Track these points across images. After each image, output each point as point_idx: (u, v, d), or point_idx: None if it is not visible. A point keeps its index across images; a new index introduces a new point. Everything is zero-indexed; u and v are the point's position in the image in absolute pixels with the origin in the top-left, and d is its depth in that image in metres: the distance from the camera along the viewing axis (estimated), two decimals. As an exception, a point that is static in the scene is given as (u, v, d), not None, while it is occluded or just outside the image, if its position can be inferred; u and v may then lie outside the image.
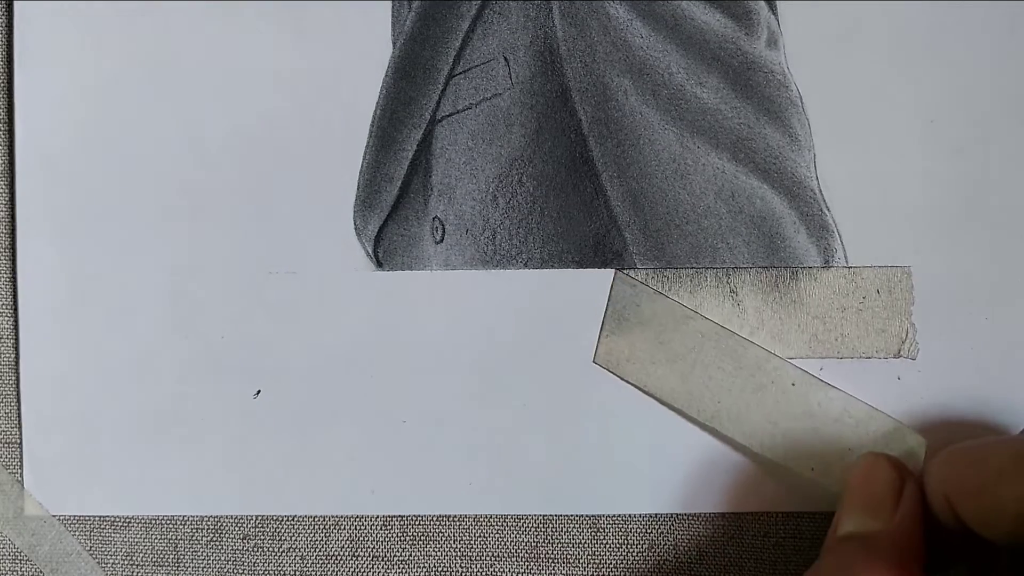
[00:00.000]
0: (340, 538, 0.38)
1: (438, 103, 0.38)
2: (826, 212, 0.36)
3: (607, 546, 0.37)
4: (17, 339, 0.38)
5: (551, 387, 0.37)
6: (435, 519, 0.38)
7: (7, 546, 0.38)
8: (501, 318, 0.37)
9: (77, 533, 0.38)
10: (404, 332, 0.37)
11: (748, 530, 0.37)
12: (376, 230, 0.38)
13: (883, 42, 0.36)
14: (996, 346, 0.36)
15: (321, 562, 0.38)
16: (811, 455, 0.35)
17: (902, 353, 0.36)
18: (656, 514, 0.37)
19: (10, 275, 0.38)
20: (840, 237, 0.36)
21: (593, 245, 0.37)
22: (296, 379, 0.37)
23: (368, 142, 0.37)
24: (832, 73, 0.36)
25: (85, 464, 0.38)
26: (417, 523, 0.38)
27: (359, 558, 0.38)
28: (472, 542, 0.37)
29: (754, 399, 0.35)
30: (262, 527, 0.38)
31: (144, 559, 0.38)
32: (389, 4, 0.37)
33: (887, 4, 0.36)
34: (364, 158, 0.37)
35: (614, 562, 0.37)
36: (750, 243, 0.36)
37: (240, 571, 0.38)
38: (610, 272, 0.37)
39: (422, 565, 0.38)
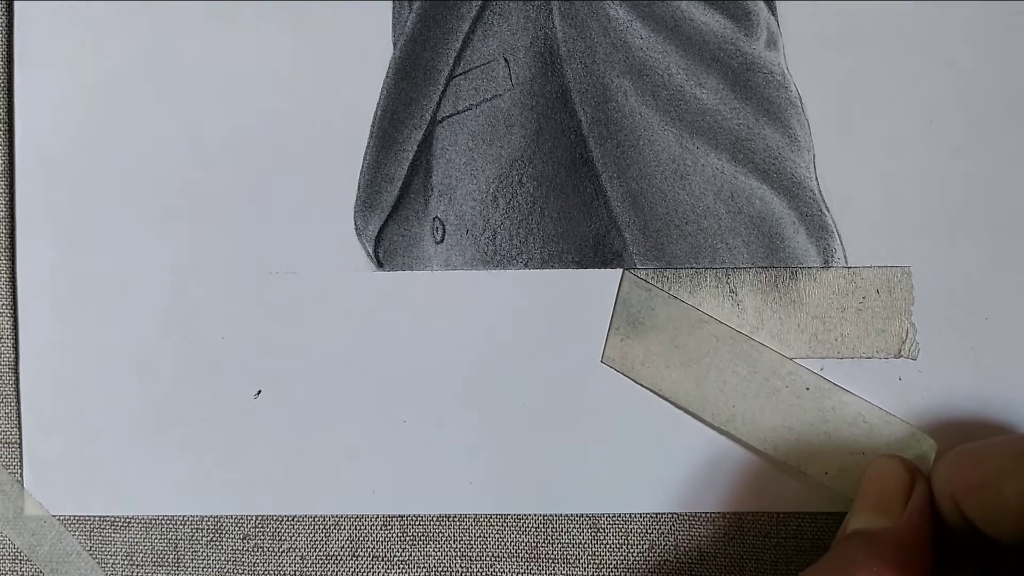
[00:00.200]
0: (340, 538, 0.38)
1: (438, 104, 0.37)
2: (825, 212, 0.36)
3: (607, 546, 0.37)
4: (17, 339, 0.38)
5: (551, 387, 0.37)
6: (435, 519, 0.37)
7: (7, 546, 0.38)
8: (501, 318, 0.37)
9: (77, 533, 0.38)
10: (404, 332, 0.37)
11: (749, 530, 0.36)
12: (376, 230, 0.38)
13: (883, 42, 0.36)
14: (996, 346, 0.36)
15: (321, 562, 0.38)
16: (825, 459, 0.35)
17: (903, 353, 0.36)
18: (656, 514, 0.37)
19: (9, 275, 0.38)
20: (840, 237, 0.36)
21: (593, 245, 0.37)
22: (296, 379, 0.37)
23: (369, 143, 0.37)
24: (832, 73, 0.36)
25: (85, 464, 0.38)
26: (417, 523, 0.37)
27: (359, 558, 0.38)
28: (472, 542, 0.37)
29: (769, 403, 0.35)
30: (262, 527, 0.38)
31: (144, 559, 0.38)
32: (390, 5, 0.37)
33: (887, 4, 0.36)
34: (365, 158, 0.37)
35: (614, 562, 0.37)
36: (750, 243, 0.36)
37: (240, 571, 0.38)
38: (610, 272, 0.37)
39: (422, 565, 0.37)
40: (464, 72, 0.37)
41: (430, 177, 0.38)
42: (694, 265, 0.36)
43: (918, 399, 0.36)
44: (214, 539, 0.38)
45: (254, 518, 0.38)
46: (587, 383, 0.37)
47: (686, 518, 0.37)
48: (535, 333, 0.37)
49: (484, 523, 0.37)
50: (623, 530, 0.37)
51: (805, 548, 0.36)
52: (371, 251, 0.37)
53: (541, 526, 0.37)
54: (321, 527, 0.38)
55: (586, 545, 0.37)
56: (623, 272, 0.36)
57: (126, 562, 0.38)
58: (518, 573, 0.37)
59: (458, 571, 0.37)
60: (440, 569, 0.37)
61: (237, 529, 0.38)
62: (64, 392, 0.38)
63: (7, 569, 0.38)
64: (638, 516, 0.37)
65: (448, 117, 0.37)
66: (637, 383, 0.36)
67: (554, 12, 0.37)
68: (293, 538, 0.38)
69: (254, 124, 0.37)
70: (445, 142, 0.37)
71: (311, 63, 0.37)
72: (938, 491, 0.32)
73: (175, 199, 0.38)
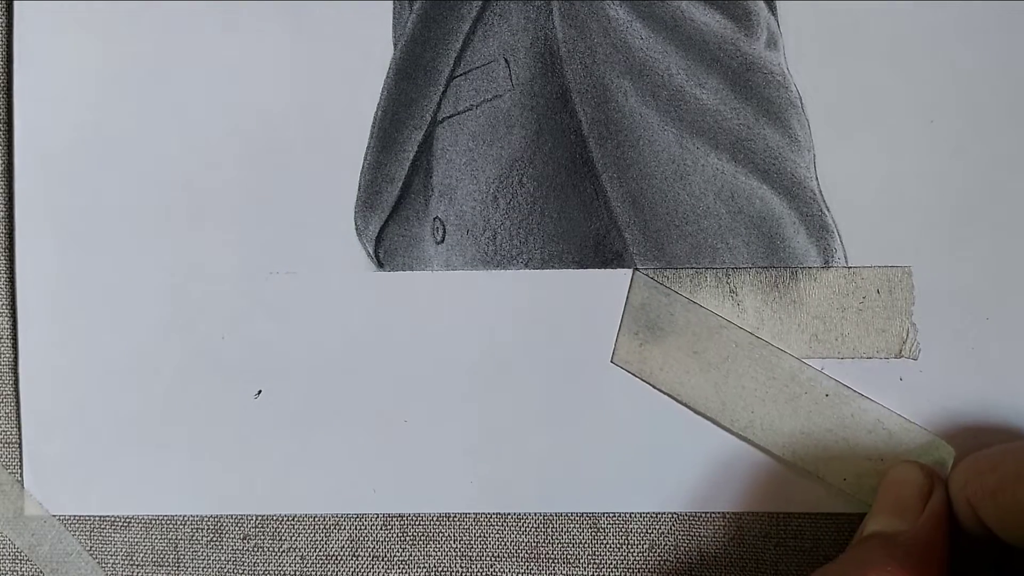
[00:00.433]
0: (340, 538, 0.37)
1: (439, 104, 0.37)
2: (826, 212, 0.36)
3: (607, 546, 0.37)
4: (16, 339, 0.38)
5: (551, 386, 0.37)
6: (435, 518, 0.37)
7: (7, 546, 0.38)
8: (501, 318, 0.37)
9: (77, 533, 0.38)
10: (405, 332, 0.37)
11: (749, 530, 0.36)
12: (377, 230, 0.37)
13: (883, 42, 0.36)
14: (997, 346, 0.35)
15: (321, 562, 0.38)
16: (843, 465, 0.35)
17: (903, 353, 0.36)
18: (657, 514, 0.37)
19: (8, 275, 0.38)
20: (840, 237, 0.36)
21: (593, 245, 0.37)
22: (296, 379, 0.37)
23: (369, 143, 0.37)
24: (832, 73, 0.36)
25: (85, 464, 0.38)
26: (417, 523, 0.37)
27: (359, 558, 0.37)
28: (472, 542, 0.37)
29: (788, 409, 0.35)
30: (262, 527, 0.38)
31: (144, 559, 0.38)
32: (390, 5, 0.37)
33: (887, 4, 0.36)
34: (365, 159, 0.37)
35: (614, 562, 0.37)
36: (750, 243, 0.36)
37: (240, 571, 0.38)
38: (611, 272, 0.36)
39: (422, 565, 0.37)
40: (464, 72, 0.37)
41: (430, 177, 0.37)
42: (694, 265, 0.36)
43: (919, 399, 0.35)
44: (214, 539, 0.38)
45: (254, 518, 0.38)
46: (587, 383, 0.36)
47: (686, 518, 0.36)
48: (535, 333, 0.37)
49: (484, 523, 0.37)
50: (623, 530, 0.37)
51: (805, 548, 0.36)
52: (371, 251, 0.37)
53: (541, 526, 0.37)
54: (321, 527, 0.37)
55: (586, 545, 0.37)
56: (632, 272, 0.36)
57: (126, 562, 0.38)
58: (518, 573, 0.37)
59: (458, 571, 0.37)
60: (440, 569, 0.37)
61: (237, 529, 0.38)
62: (64, 392, 0.38)
63: (7, 569, 0.38)
64: (638, 516, 0.37)
65: (448, 117, 0.37)
66: (656, 388, 0.36)
67: (554, 13, 0.37)
68: (293, 538, 0.38)
69: (254, 124, 0.37)
70: (445, 142, 0.37)
71: (311, 63, 0.37)
72: (955, 496, 0.32)
73: (175, 199, 0.37)
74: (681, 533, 0.36)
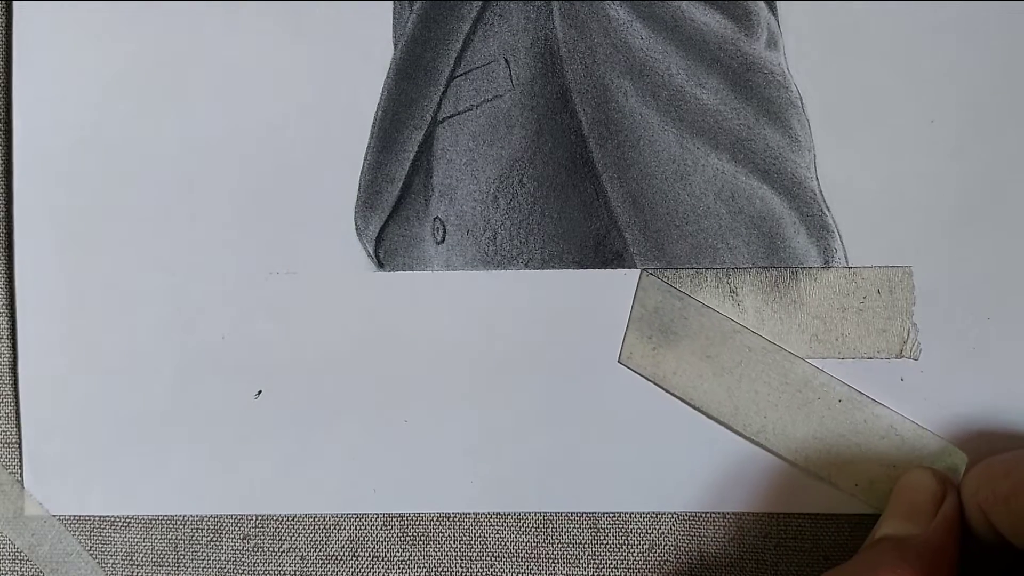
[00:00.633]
0: (340, 538, 0.37)
1: (439, 104, 0.37)
2: (826, 212, 0.36)
3: (607, 546, 0.37)
4: (15, 339, 0.38)
5: (552, 386, 0.37)
6: (435, 518, 0.37)
7: (7, 546, 0.38)
8: (502, 318, 0.37)
9: (77, 533, 0.38)
10: (405, 332, 0.37)
11: (749, 530, 0.36)
12: (377, 230, 0.37)
13: (883, 42, 0.36)
14: (998, 346, 0.35)
15: (321, 562, 0.37)
16: (856, 471, 0.35)
17: (904, 354, 0.35)
18: (656, 514, 0.36)
19: (7, 275, 0.38)
20: (840, 237, 0.36)
21: (593, 246, 0.36)
22: (296, 379, 0.37)
23: (369, 143, 0.37)
24: (832, 73, 0.36)
25: (85, 464, 0.38)
26: (417, 523, 0.37)
27: (359, 558, 0.37)
28: (472, 542, 0.37)
29: (800, 415, 0.35)
30: (262, 527, 0.37)
31: (144, 559, 0.38)
32: (390, 5, 0.37)
33: (887, 4, 0.36)
34: (365, 159, 0.37)
35: (614, 562, 0.37)
36: (750, 243, 0.36)
37: (240, 571, 0.38)
38: (611, 272, 0.36)
39: (422, 565, 0.37)
40: (465, 73, 0.37)
41: (431, 177, 0.37)
42: (695, 265, 0.36)
43: (920, 399, 0.35)
44: (214, 539, 0.38)
45: (254, 518, 0.38)
46: (588, 383, 0.36)
47: (686, 518, 0.36)
48: (535, 333, 0.37)
49: (484, 523, 0.37)
50: (623, 530, 0.36)
51: (806, 549, 0.36)
52: (372, 251, 0.37)
53: (541, 526, 0.37)
54: (321, 527, 0.37)
55: (586, 545, 0.37)
56: (640, 273, 0.36)
57: (126, 562, 0.38)
58: (518, 573, 0.37)
59: (458, 571, 0.37)
60: (440, 569, 0.37)
61: (237, 529, 0.38)
62: (64, 392, 0.37)
63: (7, 569, 0.38)
64: (638, 516, 0.36)
65: (449, 117, 0.37)
66: (668, 392, 0.36)
67: (554, 13, 0.37)
68: (293, 538, 0.37)
69: (254, 124, 0.37)
70: (446, 142, 0.37)
71: (311, 63, 0.37)
72: (967, 502, 0.32)
73: (175, 199, 0.37)
74: (681, 533, 0.36)
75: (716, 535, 0.36)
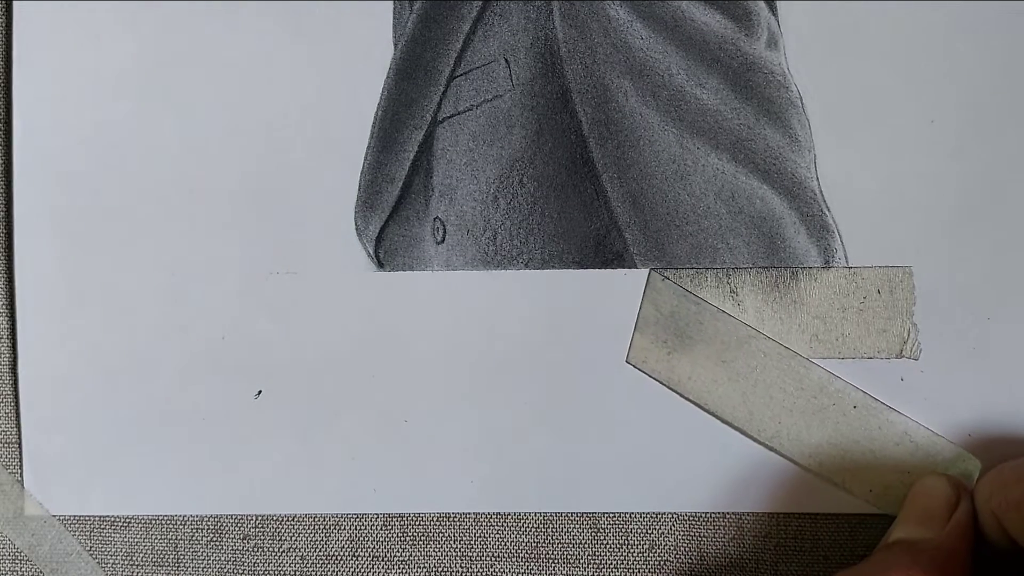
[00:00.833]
0: (340, 538, 0.37)
1: (439, 104, 0.37)
2: (826, 212, 0.36)
3: (607, 546, 0.36)
4: (15, 340, 0.38)
5: (552, 386, 0.36)
6: (435, 518, 0.37)
7: (7, 546, 0.38)
8: (502, 318, 0.36)
9: (77, 533, 0.38)
10: (405, 332, 0.37)
11: (749, 530, 0.36)
12: (377, 230, 0.37)
13: (883, 42, 0.36)
14: (999, 346, 0.35)
15: (321, 562, 0.37)
16: (870, 477, 0.35)
17: (904, 353, 0.35)
18: (656, 514, 0.36)
19: (8, 275, 0.38)
20: (840, 237, 0.36)
21: (594, 246, 0.36)
22: (297, 379, 0.37)
23: (369, 143, 0.37)
24: (832, 73, 0.36)
25: (85, 464, 0.37)
26: (417, 523, 0.37)
27: (359, 558, 0.37)
28: (472, 542, 0.37)
29: (815, 420, 0.35)
30: (262, 527, 0.37)
31: (144, 559, 0.38)
32: (390, 5, 0.37)
33: (888, 4, 0.36)
34: (365, 159, 0.37)
35: (614, 562, 0.36)
36: (750, 243, 0.36)
37: (240, 571, 0.37)
38: (611, 272, 0.36)
39: (422, 565, 0.37)
40: (465, 73, 0.37)
41: (431, 177, 0.37)
42: (695, 265, 0.36)
43: (920, 399, 0.35)
44: (214, 539, 0.37)
45: (254, 518, 0.37)
46: (588, 383, 0.36)
47: (686, 518, 0.36)
48: (535, 333, 0.36)
49: (484, 523, 0.37)
50: (623, 530, 0.36)
51: (805, 548, 0.36)
52: (372, 251, 0.37)
53: (541, 526, 0.37)
54: (321, 527, 0.37)
55: (586, 545, 0.36)
56: (650, 274, 0.36)
57: (126, 562, 0.38)
58: (518, 573, 0.37)
59: (458, 571, 0.37)
60: (440, 569, 0.37)
61: (237, 529, 0.37)
62: (64, 392, 0.37)
63: (7, 569, 0.38)
64: (638, 516, 0.36)
65: (449, 117, 0.37)
66: (683, 397, 0.36)
67: (554, 13, 0.37)
68: (293, 538, 0.37)
69: (254, 124, 0.37)
70: (446, 142, 0.37)
71: (311, 63, 0.37)
72: (980, 507, 0.32)
73: (175, 199, 0.37)
74: (681, 533, 0.36)
75: (716, 535, 0.36)
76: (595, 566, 0.36)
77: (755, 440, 0.35)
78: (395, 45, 0.37)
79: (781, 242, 0.36)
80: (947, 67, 0.35)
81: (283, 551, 0.37)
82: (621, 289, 0.36)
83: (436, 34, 0.37)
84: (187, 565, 0.37)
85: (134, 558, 0.38)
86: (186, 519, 0.37)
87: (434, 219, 0.37)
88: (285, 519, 0.37)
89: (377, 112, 0.37)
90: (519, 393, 0.36)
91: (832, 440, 0.35)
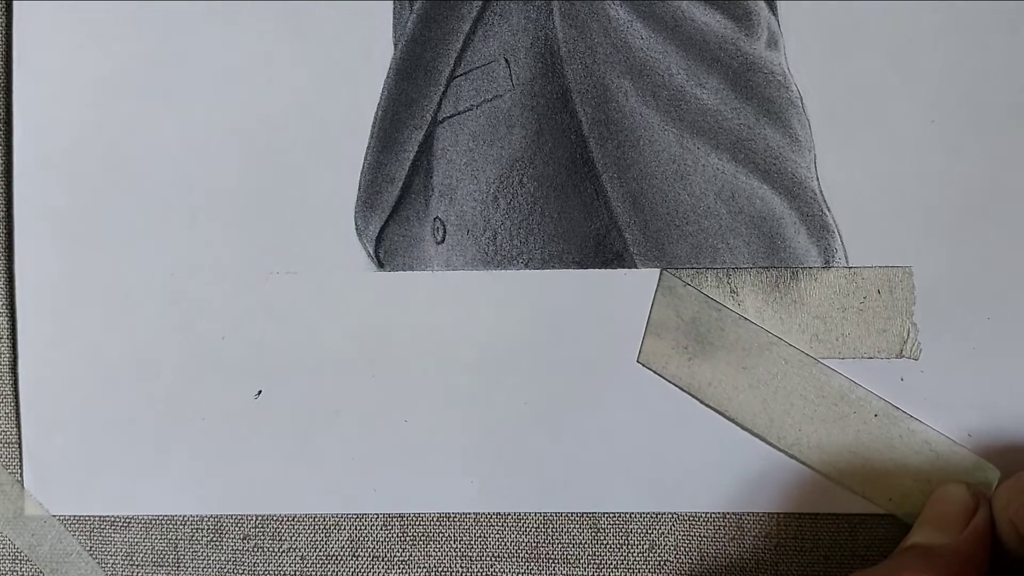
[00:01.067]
0: (340, 538, 0.37)
1: (439, 104, 0.37)
2: (826, 212, 0.36)
3: (607, 546, 0.36)
4: (15, 339, 0.38)
5: (552, 386, 0.36)
6: (435, 518, 0.37)
7: (7, 546, 0.38)
8: (502, 318, 0.36)
9: (77, 533, 0.38)
10: (405, 332, 0.37)
11: (749, 530, 0.36)
12: (377, 230, 0.37)
13: (883, 42, 0.36)
14: (999, 346, 0.35)
15: (321, 562, 0.37)
16: (890, 486, 0.35)
17: (904, 353, 0.35)
18: (656, 514, 0.36)
19: (8, 275, 0.38)
20: (840, 237, 0.36)
21: (594, 246, 0.36)
22: (296, 379, 0.37)
23: (369, 143, 0.37)
24: (832, 73, 0.36)
25: (85, 464, 0.37)
26: (417, 523, 0.37)
27: (359, 558, 0.37)
28: (472, 542, 0.37)
29: (836, 428, 0.35)
30: (262, 527, 0.37)
31: (144, 559, 0.38)
32: (390, 5, 0.37)
33: (888, 4, 0.36)
34: (365, 159, 0.37)
35: (614, 562, 0.36)
36: (750, 243, 0.36)
37: (240, 571, 0.37)
38: (611, 272, 0.36)
39: (422, 565, 0.37)
40: (465, 73, 0.37)
41: (431, 177, 0.37)
42: (695, 265, 0.36)
43: (920, 399, 0.35)
44: (214, 539, 0.37)
45: (254, 518, 0.37)
46: (587, 383, 0.36)
47: (686, 518, 0.36)
48: (535, 333, 0.36)
49: (484, 523, 0.37)
50: (623, 530, 0.36)
51: (805, 548, 0.36)
52: (372, 251, 0.37)
53: (541, 526, 0.37)
54: (321, 527, 0.37)
55: (586, 545, 0.36)
56: (660, 272, 0.36)
57: (126, 562, 0.38)
58: (518, 573, 0.37)
59: (458, 571, 0.37)
60: (440, 569, 0.37)
61: (237, 529, 0.37)
62: (64, 392, 0.37)
63: (7, 569, 0.38)
64: (638, 516, 0.36)
65: (449, 117, 0.37)
66: (704, 403, 0.36)
67: (554, 13, 0.36)
68: (293, 538, 0.37)
69: (254, 124, 0.37)
70: (446, 142, 0.37)
71: (311, 63, 0.37)
72: (998, 515, 0.32)
73: (175, 199, 0.37)
74: (681, 533, 0.36)
75: (716, 535, 0.36)
76: (595, 566, 0.36)
77: (775, 447, 0.35)
78: (395, 45, 0.37)
79: (781, 242, 0.36)
80: (947, 67, 0.35)
81: (283, 551, 0.37)
82: (621, 289, 0.36)
83: (436, 34, 0.37)
84: (187, 565, 0.37)
85: (134, 558, 0.37)
86: (186, 519, 0.37)
87: (434, 219, 0.37)
88: (285, 519, 0.37)
89: (377, 112, 0.37)
90: (519, 393, 0.36)
91: (852, 448, 0.35)
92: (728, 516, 0.36)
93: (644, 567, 0.36)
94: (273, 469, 0.37)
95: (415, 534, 0.37)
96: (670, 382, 0.36)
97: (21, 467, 0.37)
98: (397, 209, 0.37)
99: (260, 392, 0.37)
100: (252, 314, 0.37)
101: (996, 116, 0.35)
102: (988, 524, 0.32)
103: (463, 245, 0.37)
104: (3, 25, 0.37)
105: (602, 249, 0.36)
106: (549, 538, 0.36)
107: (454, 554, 0.37)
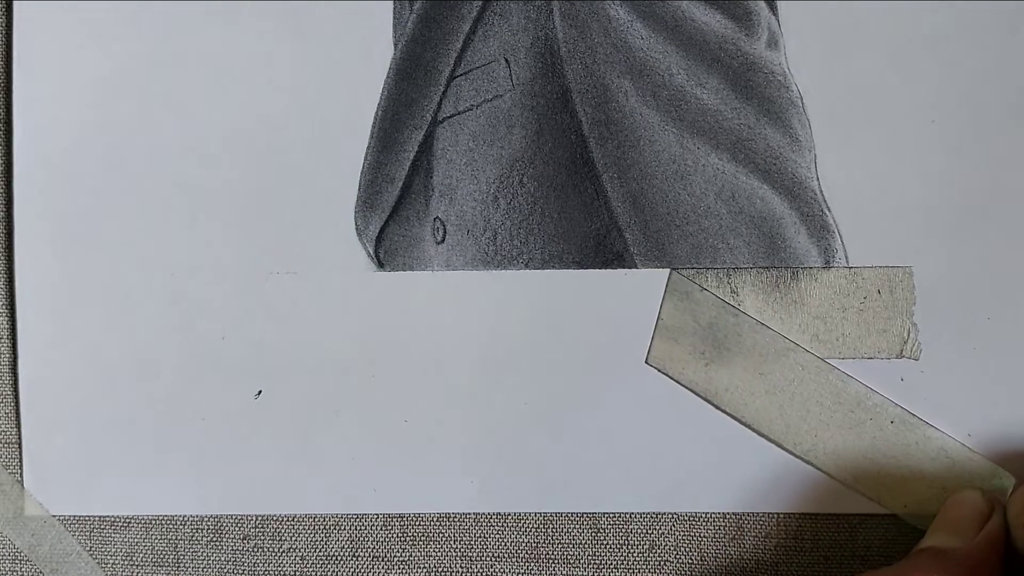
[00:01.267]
0: (340, 538, 0.37)
1: (439, 104, 0.37)
2: (827, 212, 0.36)
3: (607, 546, 0.36)
4: (15, 339, 0.37)
5: (552, 386, 0.36)
6: (435, 519, 0.37)
7: (7, 546, 0.38)
8: (502, 318, 0.36)
9: (77, 533, 0.38)
10: (405, 332, 0.37)
11: (749, 530, 0.36)
12: (377, 230, 0.37)
13: (883, 42, 0.35)
14: (999, 346, 0.35)
15: (321, 562, 0.37)
16: (905, 493, 0.35)
17: (904, 353, 0.35)
18: (656, 514, 0.36)
19: (8, 275, 0.38)
20: (841, 237, 0.35)
21: (594, 246, 0.36)
22: (296, 379, 0.37)
23: (369, 143, 0.37)
24: (832, 73, 0.36)
25: (85, 464, 0.37)
26: (417, 523, 0.37)
27: (359, 558, 0.37)
28: (472, 542, 0.37)
29: (852, 435, 0.35)
30: (262, 527, 0.37)
31: (144, 559, 0.38)
32: (390, 5, 0.37)
33: (887, 4, 0.36)
34: (365, 159, 0.37)
35: (614, 562, 0.36)
36: (751, 243, 0.36)
37: (240, 571, 0.37)
38: (611, 272, 0.36)
39: (422, 565, 0.37)
40: (465, 73, 0.37)
41: (431, 177, 0.37)
42: (695, 265, 0.36)
43: (920, 399, 0.35)
44: (214, 539, 0.37)
45: (254, 518, 0.37)
46: (587, 383, 0.36)
47: (686, 518, 0.36)
48: (535, 333, 0.36)
49: (484, 523, 0.37)
50: (623, 530, 0.36)
51: (805, 549, 0.36)
52: (372, 251, 0.37)
53: (541, 526, 0.36)
54: (321, 527, 0.37)
55: (586, 545, 0.36)
56: (669, 274, 0.36)
57: (126, 562, 0.38)
58: (518, 573, 0.37)
59: (458, 571, 0.37)
60: (440, 569, 0.37)
61: (237, 529, 0.37)
62: (64, 392, 0.37)
63: (7, 569, 0.38)
64: (638, 516, 0.36)
65: (449, 117, 0.37)
66: (720, 409, 0.35)
67: (555, 12, 0.36)
68: (293, 538, 0.37)
69: (254, 124, 0.37)
70: (446, 142, 0.37)
71: (311, 63, 0.37)
72: (1012, 522, 0.32)
73: (175, 199, 0.37)
74: (681, 533, 0.36)
75: (716, 535, 0.36)
76: (595, 566, 0.36)
77: (791, 453, 0.35)
78: (395, 45, 0.37)
79: (781, 242, 0.36)
80: (947, 67, 0.35)
81: (283, 551, 0.37)
82: (621, 289, 0.36)
83: (436, 34, 0.37)
84: (187, 565, 0.37)
85: (134, 558, 0.37)
86: (186, 519, 0.37)
87: (434, 219, 0.37)
88: (285, 519, 0.37)
89: (377, 112, 0.37)
90: (519, 393, 0.36)
91: (868, 454, 0.35)
92: (728, 516, 0.36)
93: (644, 567, 0.36)
94: (273, 469, 0.37)
95: (415, 534, 0.37)
96: (686, 387, 0.35)
97: (21, 467, 0.37)
98: (397, 209, 0.37)
99: (260, 392, 0.37)
100: (252, 314, 0.37)
101: (996, 116, 0.35)
102: (1002, 530, 0.32)
103: (463, 245, 0.37)
104: (3, 25, 0.37)
105: (602, 249, 0.36)
106: (549, 538, 0.36)
107: (454, 554, 0.37)
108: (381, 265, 0.37)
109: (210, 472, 0.37)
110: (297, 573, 0.37)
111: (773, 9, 0.36)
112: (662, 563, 0.36)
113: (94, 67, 0.37)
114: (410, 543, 0.37)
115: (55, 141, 0.37)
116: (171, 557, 0.37)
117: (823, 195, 0.35)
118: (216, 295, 0.37)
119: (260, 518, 0.37)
